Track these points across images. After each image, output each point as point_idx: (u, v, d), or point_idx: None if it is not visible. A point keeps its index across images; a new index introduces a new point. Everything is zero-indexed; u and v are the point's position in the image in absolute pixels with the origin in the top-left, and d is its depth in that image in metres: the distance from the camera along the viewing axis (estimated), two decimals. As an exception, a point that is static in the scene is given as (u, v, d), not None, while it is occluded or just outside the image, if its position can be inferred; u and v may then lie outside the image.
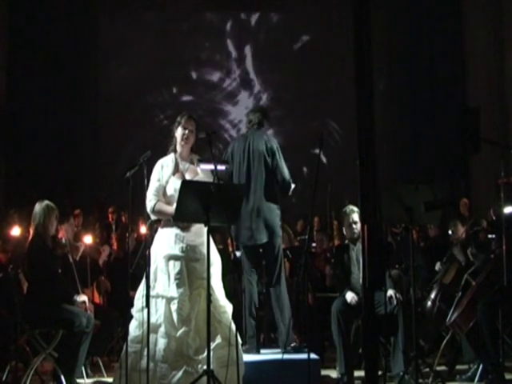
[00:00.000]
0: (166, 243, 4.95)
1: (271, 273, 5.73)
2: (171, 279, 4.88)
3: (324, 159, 12.15)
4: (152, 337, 4.69)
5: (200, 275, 4.89)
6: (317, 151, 5.22)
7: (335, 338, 5.71)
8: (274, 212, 5.73)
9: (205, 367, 4.49)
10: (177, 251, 4.91)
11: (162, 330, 4.81)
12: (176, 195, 4.76)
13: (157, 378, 4.69)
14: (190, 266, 4.90)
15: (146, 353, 4.66)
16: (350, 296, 5.77)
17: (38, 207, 5.65)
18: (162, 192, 5.02)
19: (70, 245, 6.39)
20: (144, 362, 4.68)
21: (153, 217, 5.04)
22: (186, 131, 5.09)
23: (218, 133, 11.64)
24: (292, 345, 5.59)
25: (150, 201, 4.97)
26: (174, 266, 4.89)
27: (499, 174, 5.57)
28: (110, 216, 9.82)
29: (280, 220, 5.83)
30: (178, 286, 4.84)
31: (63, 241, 6.35)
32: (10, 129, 10.49)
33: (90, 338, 5.54)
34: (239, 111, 12.85)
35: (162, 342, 4.78)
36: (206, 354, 4.51)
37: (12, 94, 11.80)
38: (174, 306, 4.83)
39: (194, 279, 4.90)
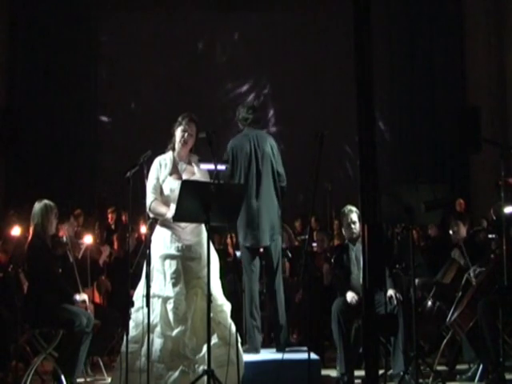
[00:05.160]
0: (161, 243, 4.95)
1: (271, 273, 5.73)
2: (167, 279, 4.87)
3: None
4: (149, 337, 4.69)
5: (196, 274, 4.89)
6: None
7: (335, 337, 5.71)
8: (277, 213, 5.73)
9: (202, 367, 4.48)
10: (173, 250, 4.91)
11: (157, 329, 4.80)
12: (172, 196, 4.75)
13: (153, 378, 4.66)
14: (185, 265, 4.89)
15: (143, 353, 4.65)
16: (351, 296, 5.77)
17: (37, 207, 5.63)
18: (160, 191, 5.01)
19: (72, 243, 6.37)
20: (141, 362, 4.67)
21: (151, 214, 5.03)
22: (186, 134, 5.05)
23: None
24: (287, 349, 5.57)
25: (148, 198, 4.97)
26: (170, 266, 4.89)
27: (499, 174, 5.57)
28: (110, 216, 9.81)
29: (281, 220, 5.84)
30: (174, 285, 4.84)
31: (64, 239, 6.34)
32: (10, 129, 10.48)
33: (91, 338, 5.54)
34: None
35: (158, 342, 4.77)
36: (202, 353, 4.51)
37: (12, 95, 11.80)
38: (169, 306, 4.83)
39: (190, 278, 4.89)
